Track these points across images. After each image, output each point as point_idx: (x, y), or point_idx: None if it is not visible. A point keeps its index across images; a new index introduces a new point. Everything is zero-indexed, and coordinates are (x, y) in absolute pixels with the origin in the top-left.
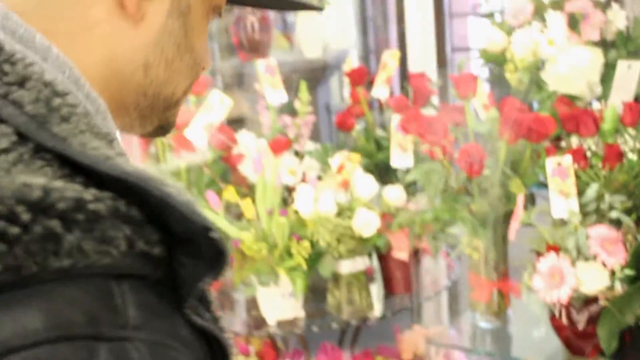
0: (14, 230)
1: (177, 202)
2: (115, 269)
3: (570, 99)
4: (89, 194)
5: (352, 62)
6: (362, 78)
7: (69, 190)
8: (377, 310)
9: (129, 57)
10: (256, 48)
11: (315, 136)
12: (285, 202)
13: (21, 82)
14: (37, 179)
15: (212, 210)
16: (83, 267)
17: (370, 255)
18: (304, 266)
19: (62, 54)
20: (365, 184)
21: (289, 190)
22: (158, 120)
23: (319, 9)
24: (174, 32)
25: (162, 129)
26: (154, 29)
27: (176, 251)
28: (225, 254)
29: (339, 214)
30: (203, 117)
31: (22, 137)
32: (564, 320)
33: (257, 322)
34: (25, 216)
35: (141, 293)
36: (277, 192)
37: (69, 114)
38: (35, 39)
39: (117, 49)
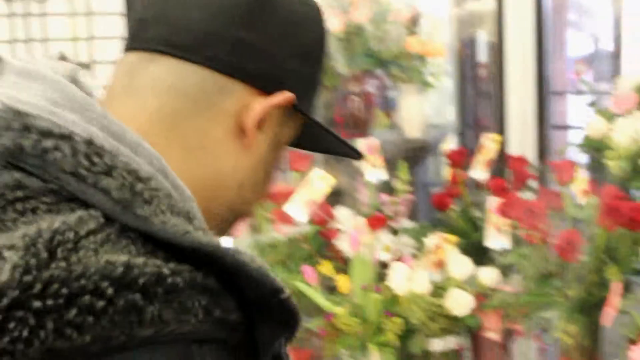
0: (100, 303)
1: (249, 268)
2: (195, 334)
3: None
4: (167, 268)
5: (453, 143)
6: (462, 160)
7: (149, 266)
8: None
9: (231, 176)
10: (358, 126)
11: (411, 214)
12: (380, 278)
13: (108, 172)
14: (121, 257)
15: (307, 284)
16: (166, 334)
17: (463, 334)
18: (395, 342)
19: (151, 148)
20: (460, 264)
21: (383, 266)
22: (226, 231)
23: (358, 157)
24: (269, 160)
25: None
26: (256, 155)
27: (252, 316)
28: (297, 313)
29: (433, 293)
30: (304, 193)
31: (108, 219)
32: None
33: None
34: (110, 291)
35: (221, 356)
36: (372, 268)
37: (151, 196)
38: (125, 135)
39: (223, 167)
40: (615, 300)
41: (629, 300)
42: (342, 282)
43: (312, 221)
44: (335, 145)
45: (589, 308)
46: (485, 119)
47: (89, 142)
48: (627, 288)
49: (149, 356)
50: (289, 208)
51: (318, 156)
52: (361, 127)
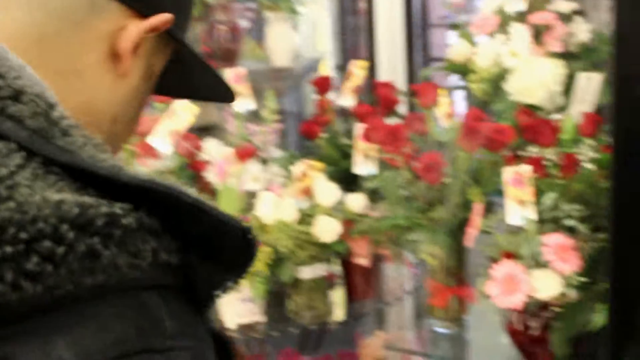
0: (60, 249)
1: (210, 208)
2: (145, 280)
3: (531, 110)
4: (119, 208)
5: (327, 71)
6: (328, 86)
7: (102, 205)
8: (339, 315)
9: (104, 108)
10: (226, 56)
11: (281, 144)
12: (250, 208)
13: (16, 96)
14: (67, 195)
15: None
16: (115, 282)
17: (332, 261)
18: (264, 271)
19: (33, 72)
20: (327, 191)
21: (254, 197)
22: None
23: (231, 99)
24: (141, 93)
25: None
26: (130, 87)
27: (192, 258)
28: (254, 256)
29: (301, 220)
30: (168, 124)
31: (28, 152)
32: (519, 326)
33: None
34: (70, 235)
35: (170, 302)
36: (241, 199)
37: (68, 126)
38: (8, 55)
39: (97, 97)
40: (477, 221)
41: (491, 220)
42: None
43: (178, 153)
44: (209, 83)
45: (453, 230)
46: (361, 50)
47: None
48: (490, 209)
49: (100, 309)
50: (152, 140)
51: None
52: (229, 57)
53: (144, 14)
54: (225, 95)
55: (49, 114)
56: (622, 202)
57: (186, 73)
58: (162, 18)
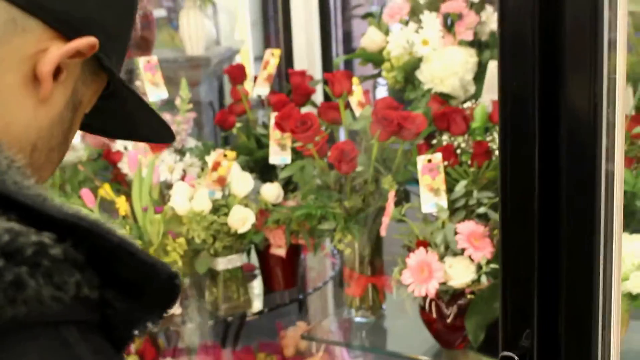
0: None
1: (136, 250)
2: (64, 315)
3: (444, 98)
4: (47, 237)
5: (245, 60)
6: (242, 76)
7: (31, 234)
8: (257, 306)
9: (23, 134)
10: (141, 46)
11: (199, 134)
12: (165, 200)
13: None
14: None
15: (87, 208)
16: (36, 316)
17: (249, 252)
18: (180, 263)
19: None
20: (242, 181)
21: (169, 188)
22: None
23: (171, 139)
24: (65, 122)
25: None
26: (51, 114)
27: (109, 294)
28: (175, 301)
29: (216, 211)
30: None
31: None
32: (434, 314)
33: None
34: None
35: (90, 339)
36: (154, 190)
37: None
38: None
39: (16, 121)
40: (390, 209)
41: (404, 209)
42: (121, 205)
43: (89, 144)
44: (146, 121)
45: (367, 218)
46: (277, 40)
47: None
48: (405, 197)
49: (18, 344)
50: None
51: None
52: (144, 46)
53: (67, 36)
54: (164, 134)
55: None
56: (511, 190)
57: (121, 110)
58: (86, 42)
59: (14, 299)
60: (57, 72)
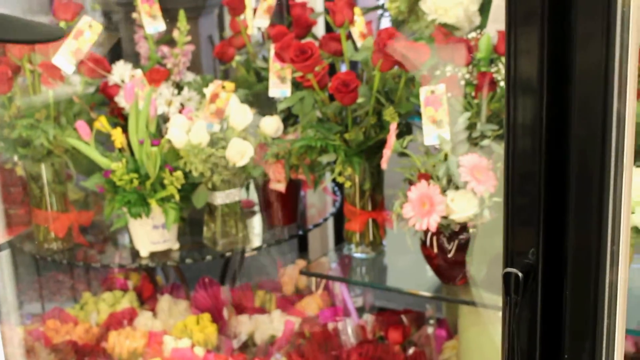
0: None
1: None
2: None
3: (448, 29)
4: None
5: None
6: (241, 7)
7: None
8: (256, 242)
9: None
10: None
11: (198, 69)
12: (162, 133)
13: None
14: None
15: (81, 140)
16: None
17: (248, 187)
18: (177, 197)
19: None
20: (241, 114)
21: (167, 121)
22: None
23: (60, 37)
24: None
25: None
26: None
27: None
28: None
29: (214, 144)
30: (72, 43)
31: None
32: (435, 248)
33: (132, 256)
34: None
35: None
36: (151, 123)
37: None
38: None
39: None
40: (392, 142)
41: (406, 141)
42: (118, 137)
43: (84, 76)
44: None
45: (368, 151)
46: None
47: None
48: (407, 130)
49: None
50: (56, 60)
51: (86, 5)
52: None
53: None
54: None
55: None
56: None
57: None
58: None
59: None
60: None
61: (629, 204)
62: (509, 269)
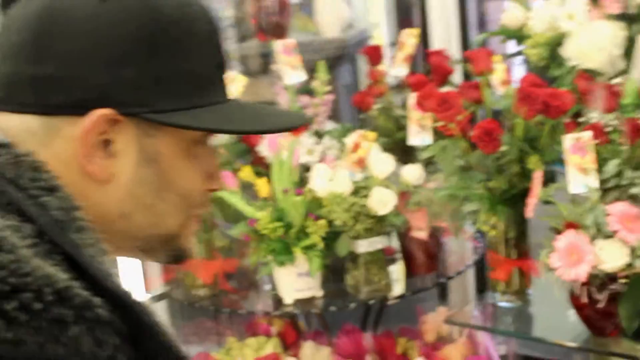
0: (37, 305)
1: (162, 332)
2: None
3: (591, 74)
4: (97, 300)
5: (380, 41)
6: (379, 56)
7: (84, 290)
8: (398, 290)
9: (106, 210)
10: (276, 31)
11: (336, 117)
12: (304, 182)
13: (50, 190)
14: (59, 273)
15: (229, 190)
16: None
17: (390, 235)
18: (320, 245)
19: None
20: (382, 162)
21: (307, 170)
22: (165, 253)
23: (302, 124)
24: (147, 179)
25: (177, 258)
26: (123, 182)
27: None
28: None
29: (356, 192)
30: None
31: (40, 237)
32: (585, 299)
33: (276, 303)
34: (49, 297)
35: None
36: (294, 172)
37: (82, 227)
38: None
39: (93, 204)
40: (537, 190)
41: (551, 190)
42: (262, 186)
43: None
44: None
45: (512, 199)
46: (410, 20)
47: (31, 156)
48: (551, 178)
49: None
50: None
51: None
52: (278, 31)
53: (80, 114)
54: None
55: (71, 211)
56: None
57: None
58: (99, 114)
59: (56, 336)
60: (90, 152)
61: None
62: None
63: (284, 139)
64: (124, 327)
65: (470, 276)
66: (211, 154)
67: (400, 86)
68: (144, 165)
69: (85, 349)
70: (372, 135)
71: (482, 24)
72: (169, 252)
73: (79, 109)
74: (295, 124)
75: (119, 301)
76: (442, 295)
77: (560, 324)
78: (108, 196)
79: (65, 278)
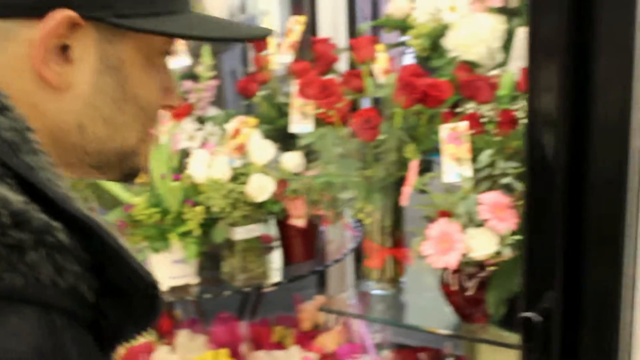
0: None
1: (130, 257)
2: (58, 302)
3: (470, 66)
4: (56, 223)
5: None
6: (265, 43)
7: (42, 214)
8: (275, 278)
9: (60, 121)
10: None
11: (221, 103)
12: (185, 167)
13: (1, 110)
14: (15, 196)
15: None
16: (33, 291)
17: (268, 222)
18: (197, 232)
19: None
20: (262, 149)
21: (188, 156)
22: (120, 170)
23: (265, 36)
24: (106, 88)
25: (131, 175)
26: (81, 91)
27: (104, 300)
28: (158, 313)
29: (235, 179)
30: None
31: None
32: (454, 286)
33: None
34: (6, 220)
35: (77, 331)
36: (173, 157)
37: (36, 149)
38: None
39: (47, 115)
40: (412, 179)
41: (427, 178)
42: None
43: None
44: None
45: (388, 188)
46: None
47: None
48: (427, 167)
49: (4, 316)
50: None
51: None
52: None
53: (39, 16)
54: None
55: (25, 132)
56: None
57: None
58: (60, 15)
59: (13, 265)
60: (45, 57)
61: None
62: (528, 314)
63: (163, 123)
64: (85, 254)
65: (350, 265)
66: (169, 69)
67: (288, 73)
68: (104, 73)
69: (45, 277)
70: (252, 121)
71: (375, 14)
72: (124, 169)
73: (37, 10)
74: (259, 34)
75: (80, 225)
76: (322, 283)
77: (433, 311)
78: (64, 106)
79: (21, 200)
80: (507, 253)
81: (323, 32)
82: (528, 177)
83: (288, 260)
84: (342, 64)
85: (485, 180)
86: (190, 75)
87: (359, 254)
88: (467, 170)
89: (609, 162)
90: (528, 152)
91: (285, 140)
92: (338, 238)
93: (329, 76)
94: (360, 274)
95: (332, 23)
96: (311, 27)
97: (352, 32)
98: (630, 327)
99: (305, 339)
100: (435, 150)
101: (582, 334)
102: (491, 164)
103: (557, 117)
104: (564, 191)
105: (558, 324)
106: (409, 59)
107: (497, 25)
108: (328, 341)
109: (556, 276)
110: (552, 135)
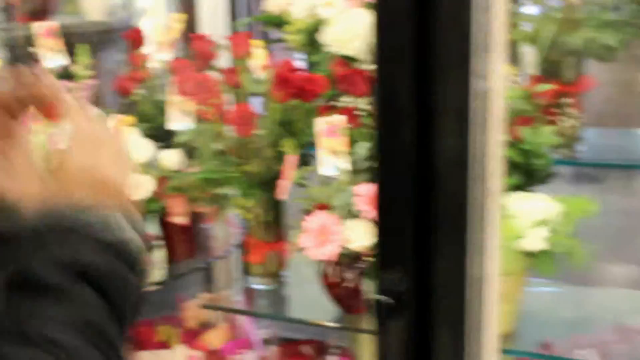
0: None
1: None
2: None
3: (349, 61)
4: None
5: (147, 25)
6: (140, 40)
7: None
8: (158, 277)
9: None
10: (37, 11)
11: (101, 102)
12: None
13: None
14: None
15: None
16: None
17: (148, 220)
18: None
19: None
20: (140, 147)
21: None
22: None
23: None
24: None
25: None
26: None
27: None
28: None
29: None
30: None
31: None
32: (334, 278)
33: None
34: None
35: None
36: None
37: None
38: None
39: None
40: (289, 173)
41: (305, 172)
42: None
43: None
44: None
45: (268, 183)
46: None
47: None
48: (306, 161)
49: None
50: None
51: None
52: (40, 12)
53: None
54: None
55: None
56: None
57: None
58: None
59: None
60: None
61: (495, 231)
62: (379, 297)
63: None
64: None
65: (235, 261)
66: None
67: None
68: None
69: None
70: (129, 119)
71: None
72: None
73: None
74: None
75: None
76: (209, 281)
77: (316, 304)
78: None
79: None
80: None
81: (204, 28)
82: (379, 162)
83: (171, 258)
84: (224, 61)
85: (363, 172)
86: (68, 74)
87: (241, 250)
88: (344, 163)
89: (452, 151)
90: (378, 139)
91: (166, 138)
92: (222, 235)
93: (209, 73)
94: (246, 270)
95: (212, 20)
96: (191, 26)
97: (232, 27)
98: (479, 306)
99: (191, 337)
100: (314, 144)
101: (431, 316)
102: (368, 157)
103: (405, 105)
104: (414, 176)
105: (410, 306)
106: (292, 55)
107: (372, 20)
108: (213, 339)
109: (408, 260)
110: (402, 125)
